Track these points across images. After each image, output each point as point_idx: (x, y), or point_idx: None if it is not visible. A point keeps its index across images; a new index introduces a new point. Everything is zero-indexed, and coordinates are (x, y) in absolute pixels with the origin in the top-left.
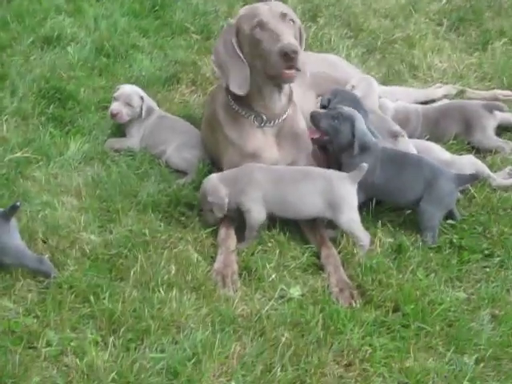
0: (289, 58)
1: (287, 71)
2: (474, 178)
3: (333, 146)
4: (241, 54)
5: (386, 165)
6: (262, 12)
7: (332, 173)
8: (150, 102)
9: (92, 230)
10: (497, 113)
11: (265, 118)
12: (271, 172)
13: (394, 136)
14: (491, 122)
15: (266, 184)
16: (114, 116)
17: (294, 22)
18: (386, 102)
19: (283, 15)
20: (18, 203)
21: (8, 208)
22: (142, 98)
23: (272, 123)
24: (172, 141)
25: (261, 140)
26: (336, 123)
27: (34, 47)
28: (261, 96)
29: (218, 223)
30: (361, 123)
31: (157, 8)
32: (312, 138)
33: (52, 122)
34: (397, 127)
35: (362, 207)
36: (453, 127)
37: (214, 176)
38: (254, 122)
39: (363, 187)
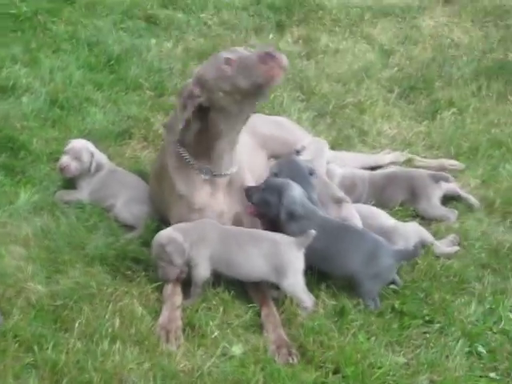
0: (270, 55)
1: (272, 72)
2: (415, 255)
3: (268, 218)
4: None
5: (327, 234)
6: (223, 53)
7: (280, 237)
8: (100, 157)
9: (39, 281)
10: (443, 183)
11: (213, 171)
12: (222, 231)
13: (338, 202)
14: (437, 192)
15: (216, 242)
16: (62, 170)
17: None
18: (333, 169)
19: (245, 47)
20: None
21: None
22: (92, 154)
23: (220, 176)
24: (121, 195)
25: (208, 192)
26: (265, 195)
27: None
28: (212, 151)
29: (176, 276)
30: (291, 191)
31: (112, 62)
32: (250, 212)
33: (3, 171)
34: (341, 193)
35: (306, 270)
36: (399, 195)
37: (167, 229)
38: (203, 174)
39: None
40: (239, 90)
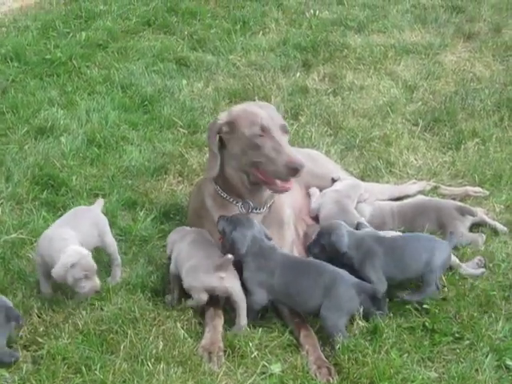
0: (296, 171)
1: (284, 184)
2: (375, 292)
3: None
4: (215, 150)
5: (286, 270)
6: (264, 119)
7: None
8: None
9: (84, 307)
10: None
11: (252, 204)
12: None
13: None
14: (464, 224)
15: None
16: None
17: (287, 133)
18: (363, 208)
19: (283, 127)
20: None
21: None
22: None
23: (258, 210)
24: None
25: None
26: (224, 226)
27: (28, 136)
28: (247, 188)
29: None
30: (244, 229)
31: (146, 103)
32: (219, 239)
33: (45, 207)
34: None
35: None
36: (427, 225)
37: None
38: (242, 208)
39: (266, 288)
40: (251, 162)
